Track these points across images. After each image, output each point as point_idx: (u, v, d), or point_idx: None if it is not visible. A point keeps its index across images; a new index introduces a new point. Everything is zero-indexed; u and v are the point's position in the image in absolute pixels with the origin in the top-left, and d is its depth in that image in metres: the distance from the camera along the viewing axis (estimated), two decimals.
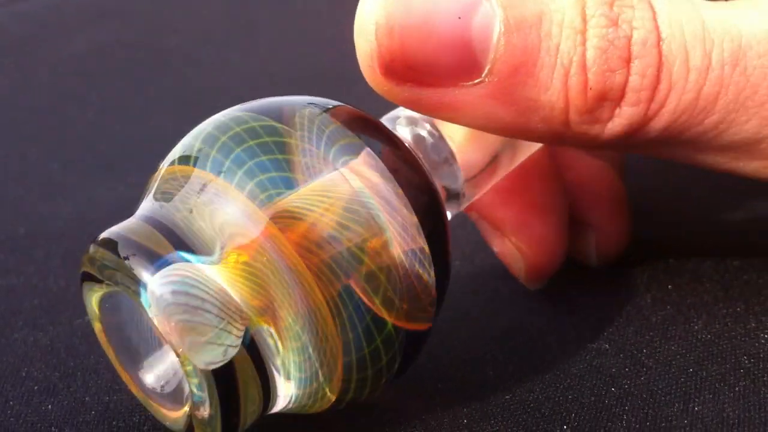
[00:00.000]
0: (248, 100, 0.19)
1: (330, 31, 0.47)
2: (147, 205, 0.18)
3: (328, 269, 0.17)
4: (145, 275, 0.16)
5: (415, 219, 0.18)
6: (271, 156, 0.17)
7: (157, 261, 0.17)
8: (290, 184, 0.17)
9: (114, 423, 0.21)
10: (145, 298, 0.16)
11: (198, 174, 0.18)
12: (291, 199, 0.17)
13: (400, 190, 0.18)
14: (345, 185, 0.17)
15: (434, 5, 0.17)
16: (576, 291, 0.24)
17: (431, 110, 0.18)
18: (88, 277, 0.18)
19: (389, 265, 0.17)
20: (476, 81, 0.17)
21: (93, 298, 0.18)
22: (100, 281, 0.18)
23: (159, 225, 0.17)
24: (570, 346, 0.22)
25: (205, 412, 0.17)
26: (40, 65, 0.45)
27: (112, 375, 0.22)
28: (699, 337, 0.22)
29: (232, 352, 0.16)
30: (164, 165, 0.19)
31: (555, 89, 0.17)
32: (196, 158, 0.18)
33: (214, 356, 0.16)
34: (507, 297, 0.24)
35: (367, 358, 0.17)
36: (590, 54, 0.17)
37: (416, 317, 0.18)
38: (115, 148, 0.36)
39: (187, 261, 0.17)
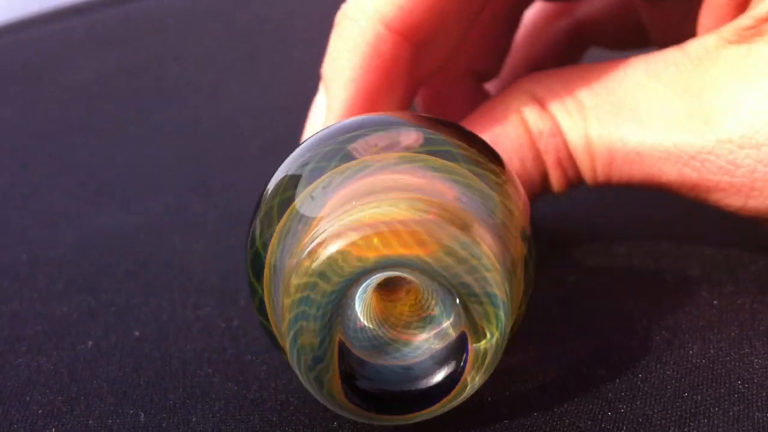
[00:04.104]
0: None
1: None
2: None
3: None
4: None
5: None
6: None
7: None
8: None
9: None
10: None
11: None
12: None
13: None
14: None
15: None
16: (572, 316, 0.25)
17: None
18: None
19: None
20: None
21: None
22: None
23: None
24: (566, 372, 0.22)
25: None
26: (43, 93, 0.46)
27: (115, 399, 0.22)
28: (694, 361, 0.22)
29: None
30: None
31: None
32: None
33: None
34: None
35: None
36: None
37: None
38: (117, 176, 0.37)
39: None
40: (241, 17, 0.54)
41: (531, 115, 0.25)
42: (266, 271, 0.19)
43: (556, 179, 0.25)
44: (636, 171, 0.24)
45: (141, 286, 0.28)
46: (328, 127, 0.21)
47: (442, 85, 0.30)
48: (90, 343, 0.25)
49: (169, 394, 0.22)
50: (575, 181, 0.26)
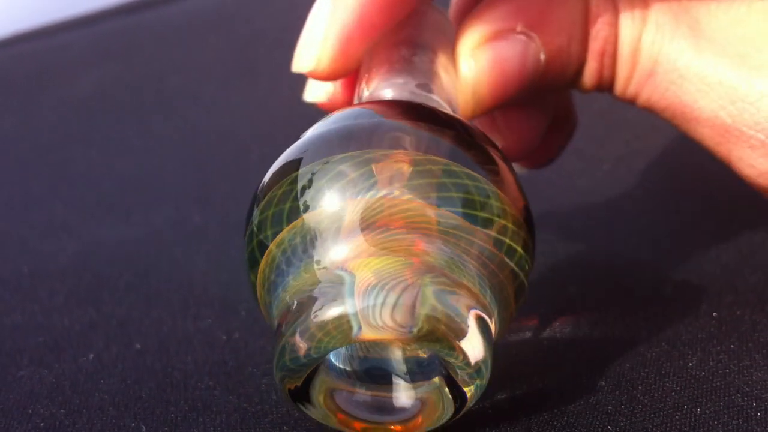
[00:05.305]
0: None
1: None
2: None
3: None
4: None
5: None
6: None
7: None
8: None
9: None
10: None
11: None
12: None
13: None
14: None
15: None
16: (572, 327, 0.25)
17: None
18: None
19: None
20: None
21: None
22: None
23: None
24: (567, 384, 0.22)
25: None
26: (44, 106, 0.46)
27: (116, 411, 0.22)
28: (693, 374, 0.22)
29: None
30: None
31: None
32: None
33: None
34: None
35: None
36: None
37: None
38: (117, 188, 0.37)
39: None
40: (241, 29, 0.54)
41: None
42: (263, 261, 0.20)
43: (589, 73, 0.24)
44: (671, 94, 0.24)
45: (142, 298, 0.28)
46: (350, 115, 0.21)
47: None
48: (91, 355, 0.25)
49: (171, 407, 0.23)
50: (605, 85, 0.25)
